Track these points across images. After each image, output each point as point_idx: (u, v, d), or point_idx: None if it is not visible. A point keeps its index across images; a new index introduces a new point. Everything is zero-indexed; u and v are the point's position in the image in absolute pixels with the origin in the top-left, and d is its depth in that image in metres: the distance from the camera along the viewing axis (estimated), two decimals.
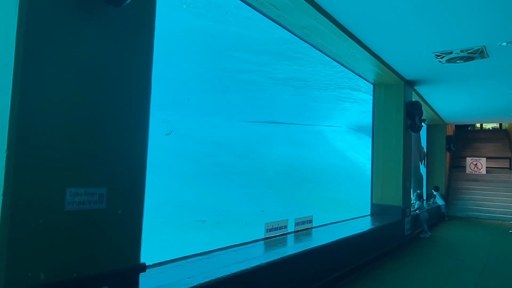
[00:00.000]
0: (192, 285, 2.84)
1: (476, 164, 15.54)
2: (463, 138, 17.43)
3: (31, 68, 1.92)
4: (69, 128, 2.08)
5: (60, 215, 2.05)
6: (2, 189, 1.88)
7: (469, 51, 5.91)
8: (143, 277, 2.54)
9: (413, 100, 8.42)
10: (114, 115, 2.30)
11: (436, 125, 14.59)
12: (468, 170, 15.61)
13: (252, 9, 4.52)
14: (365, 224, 6.74)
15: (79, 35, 2.13)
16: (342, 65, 6.89)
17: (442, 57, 6.29)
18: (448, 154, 15.27)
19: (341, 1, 4.37)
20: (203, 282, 2.95)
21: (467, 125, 18.45)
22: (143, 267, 2.50)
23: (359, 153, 21.14)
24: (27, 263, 1.92)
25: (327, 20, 4.69)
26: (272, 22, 4.90)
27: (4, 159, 1.87)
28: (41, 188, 1.97)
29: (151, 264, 3.22)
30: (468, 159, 15.73)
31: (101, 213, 2.23)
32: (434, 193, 12.82)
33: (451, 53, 6.04)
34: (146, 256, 2.62)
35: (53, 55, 2.01)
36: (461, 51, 5.91)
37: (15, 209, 1.87)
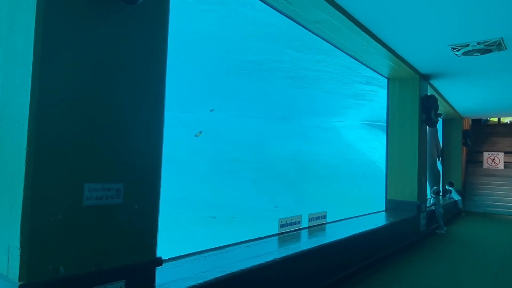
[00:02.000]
0: (207, 279, 2.87)
1: (494, 159, 15.22)
2: (480, 133, 17.09)
3: (48, 66, 1.96)
4: (86, 125, 2.12)
5: (79, 210, 2.09)
6: (23, 184, 1.93)
7: (486, 44, 5.79)
8: (159, 271, 2.57)
9: (428, 94, 8.29)
10: (129, 112, 2.33)
11: (452, 120, 14.34)
12: (485, 165, 15.31)
13: (264, 4, 4.51)
14: (379, 220, 6.69)
15: (95, 32, 2.16)
16: (356, 59, 6.82)
17: (458, 50, 6.18)
18: (464, 149, 15.00)
19: None
20: (218, 276, 2.97)
21: (483, 119, 18.06)
22: (160, 261, 2.54)
23: (374, 148, 20.94)
24: (47, 257, 1.97)
25: (340, 14, 4.65)
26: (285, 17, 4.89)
27: (24, 155, 1.92)
28: (60, 184, 2.01)
29: (167, 258, 3.26)
30: (485, 154, 15.42)
31: (118, 208, 2.27)
32: (449, 188, 12.64)
33: (467, 45, 5.92)
34: (162, 250, 2.66)
35: (70, 53, 2.05)
36: (478, 43, 5.79)
37: (35, 204, 1.92)
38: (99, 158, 2.18)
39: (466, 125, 15.47)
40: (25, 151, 1.92)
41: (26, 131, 1.93)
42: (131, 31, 2.34)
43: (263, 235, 4.74)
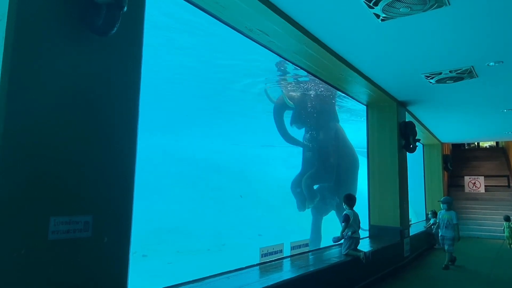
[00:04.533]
0: None
1: (475, 183, 15.49)
2: (461, 157, 17.45)
3: (16, 99, 1.94)
4: (53, 156, 2.08)
5: (44, 245, 2.01)
6: None
7: (458, 72, 6.01)
8: None
9: (406, 120, 8.48)
10: (99, 142, 2.30)
11: (432, 145, 14.64)
12: (466, 189, 15.54)
13: (243, 36, 4.61)
14: (363, 247, 6.65)
15: (67, 63, 2.16)
16: (334, 87, 6.98)
17: (432, 78, 6.39)
18: (445, 173, 15.24)
19: (328, 27, 4.47)
20: None
21: (463, 144, 18.52)
22: None
23: None
24: None
25: (316, 44, 4.78)
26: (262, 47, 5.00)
27: None
28: (24, 218, 1.94)
29: None
30: (466, 178, 15.69)
31: (87, 242, 2.20)
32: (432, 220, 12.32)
33: (440, 73, 6.13)
34: (139, 282, 2.57)
35: (38, 85, 2.03)
36: (450, 71, 6.01)
37: None
38: (67, 189, 2.13)
39: (446, 150, 15.80)
40: None
41: None
42: (104, 61, 2.35)
43: (244, 265, 4.65)
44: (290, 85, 13.55)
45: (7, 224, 1.88)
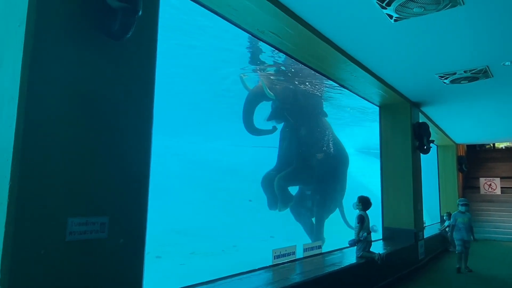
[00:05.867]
0: None
1: (490, 185, 15.20)
2: (476, 158, 17.14)
3: (34, 102, 1.98)
4: (71, 159, 2.12)
5: (62, 245, 2.05)
6: (5, 220, 1.90)
7: (473, 72, 5.92)
8: None
9: (420, 121, 8.38)
10: (115, 144, 2.34)
11: (447, 146, 14.43)
12: (482, 191, 15.26)
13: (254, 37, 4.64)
14: (376, 249, 6.58)
15: (83, 67, 2.20)
16: (347, 88, 6.94)
17: (446, 78, 6.31)
18: (460, 174, 15.00)
19: (340, 28, 4.46)
20: None
21: (478, 145, 18.15)
22: None
23: (368, 176, 20.89)
24: None
25: (327, 45, 4.77)
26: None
27: (7, 190, 1.90)
28: (43, 219, 1.98)
29: None
30: (482, 180, 15.41)
31: (103, 243, 2.23)
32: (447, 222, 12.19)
33: (454, 74, 6.05)
34: (150, 285, 2.60)
35: (57, 89, 2.08)
36: (465, 71, 5.92)
37: (17, 240, 1.89)
38: (84, 191, 2.16)
39: (461, 151, 15.55)
40: (8, 186, 1.91)
41: (10, 166, 1.93)
42: (119, 65, 2.38)
43: (256, 267, 4.65)
44: (271, 75, 12.28)
45: (27, 225, 1.92)
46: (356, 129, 18.57)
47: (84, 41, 2.19)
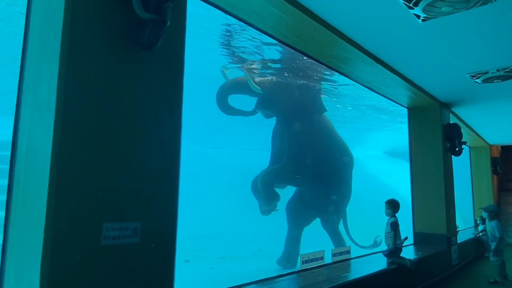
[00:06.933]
0: None
1: None
2: (511, 159, 16.42)
3: (70, 112, 2.07)
4: (105, 166, 2.19)
5: (96, 250, 2.12)
6: (43, 226, 1.98)
7: (506, 70, 5.70)
8: None
9: (451, 122, 8.14)
10: (146, 151, 2.40)
11: (479, 147, 13.91)
12: None
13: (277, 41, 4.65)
14: (408, 254, 6.41)
15: (115, 77, 2.27)
16: (373, 90, 6.83)
17: (477, 78, 6.10)
18: (495, 177, 14.42)
19: (367, 30, 4.40)
20: None
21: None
22: None
23: (397, 179, 20.41)
24: None
25: (354, 48, 4.73)
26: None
27: (46, 197, 1.99)
28: (79, 225, 2.06)
29: None
30: None
31: (135, 247, 2.29)
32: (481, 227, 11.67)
33: (486, 73, 5.85)
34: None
35: (90, 99, 2.16)
36: (497, 70, 5.71)
37: (55, 245, 1.96)
38: (117, 197, 2.23)
39: (495, 152, 14.96)
40: (46, 193, 1.99)
41: (48, 173, 2.01)
42: (150, 73, 2.45)
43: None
44: (256, 69, 11.15)
45: (65, 230, 2.00)
46: (382, 129, 18.19)
47: (116, 52, 2.27)
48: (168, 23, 2.27)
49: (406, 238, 5.58)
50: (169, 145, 2.53)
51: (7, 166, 2.50)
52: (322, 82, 12.22)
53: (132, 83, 2.35)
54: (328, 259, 5.28)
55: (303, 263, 4.81)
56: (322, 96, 12.63)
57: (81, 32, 2.14)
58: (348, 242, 10.82)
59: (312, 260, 4.92)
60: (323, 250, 5.20)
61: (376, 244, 10.14)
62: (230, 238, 14.66)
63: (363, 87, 6.56)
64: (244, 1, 3.60)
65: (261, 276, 4.33)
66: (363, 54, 4.95)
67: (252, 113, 11.29)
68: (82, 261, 2.06)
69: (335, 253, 5.44)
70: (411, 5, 3.78)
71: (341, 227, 11.72)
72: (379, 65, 5.34)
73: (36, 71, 2.32)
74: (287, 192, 11.47)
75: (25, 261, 2.11)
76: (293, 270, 4.89)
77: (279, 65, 11.04)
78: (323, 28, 4.15)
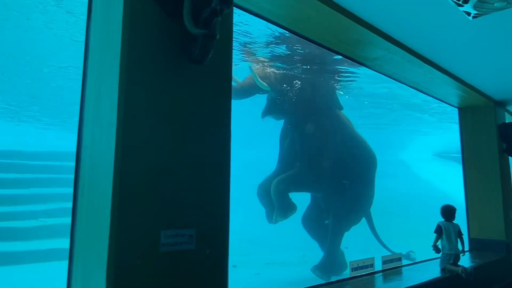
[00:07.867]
0: None
1: None
2: None
3: (130, 126, 2.19)
4: (163, 177, 2.30)
5: (156, 256, 2.23)
6: (108, 232, 2.12)
7: None
8: None
9: (506, 121, 7.67)
10: (200, 160, 2.49)
11: None
12: None
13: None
14: (463, 262, 6.10)
15: (170, 91, 2.39)
16: (421, 91, 6.60)
17: None
18: None
19: (414, 30, 4.29)
20: None
21: None
22: None
23: (449, 182, 19.48)
24: None
25: (399, 49, 4.61)
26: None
27: (110, 207, 2.12)
28: (140, 232, 2.17)
29: None
30: None
31: (191, 253, 2.37)
32: None
33: None
34: None
35: (148, 112, 2.28)
36: None
37: (119, 251, 2.09)
38: (174, 206, 2.33)
39: None
40: (110, 204, 2.13)
41: (111, 184, 2.15)
42: (200, 86, 2.55)
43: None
44: (264, 61, 10.25)
45: (127, 238, 2.12)
46: (431, 131, 17.48)
47: (171, 67, 2.39)
48: (218, 37, 2.35)
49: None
50: (221, 152, 2.61)
51: (72, 176, 2.71)
52: (350, 82, 11.76)
53: (186, 96, 2.46)
54: (378, 266, 5.15)
55: (352, 270, 4.73)
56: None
57: (139, 49, 2.27)
58: (376, 247, 10.21)
59: (361, 268, 4.82)
60: (373, 257, 5.08)
61: (408, 257, 9.62)
62: (274, 243, 14.68)
63: (407, 86, 6.36)
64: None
65: (307, 283, 4.31)
66: (409, 55, 4.81)
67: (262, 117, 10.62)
68: (143, 266, 2.17)
69: (385, 260, 5.29)
70: (460, 2, 3.65)
71: (366, 229, 11.07)
72: (426, 64, 5.17)
73: (97, 89, 2.49)
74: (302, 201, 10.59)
75: (91, 266, 2.26)
76: (328, 280, 4.83)
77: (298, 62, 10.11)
78: (368, 32, 4.10)
